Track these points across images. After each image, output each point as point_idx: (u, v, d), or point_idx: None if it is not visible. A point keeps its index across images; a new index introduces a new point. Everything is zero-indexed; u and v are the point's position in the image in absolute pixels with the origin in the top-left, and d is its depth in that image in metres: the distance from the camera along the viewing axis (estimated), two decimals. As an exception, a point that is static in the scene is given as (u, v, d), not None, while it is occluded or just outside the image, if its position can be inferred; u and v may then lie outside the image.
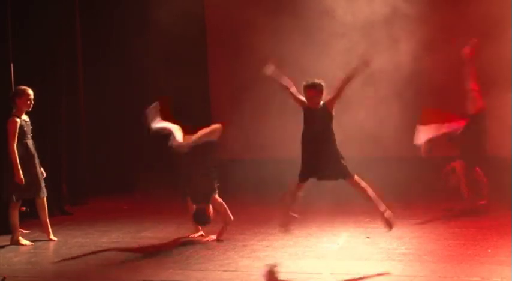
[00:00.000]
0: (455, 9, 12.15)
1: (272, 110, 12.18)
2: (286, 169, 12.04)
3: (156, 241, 9.05)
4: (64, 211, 11.04)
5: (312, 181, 11.28)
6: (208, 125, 9.50)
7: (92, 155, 12.30)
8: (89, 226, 10.02)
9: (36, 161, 9.10)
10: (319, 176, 8.27)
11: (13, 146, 8.85)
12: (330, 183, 8.37)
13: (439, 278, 7.14)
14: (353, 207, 10.44)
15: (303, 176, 8.29)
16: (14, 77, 10.01)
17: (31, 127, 9.13)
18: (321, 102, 8.19)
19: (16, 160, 8.83)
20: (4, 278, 7.51)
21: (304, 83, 8.24)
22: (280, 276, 7.39)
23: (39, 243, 9.12)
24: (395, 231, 9.09)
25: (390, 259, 7.85)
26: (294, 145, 12.07)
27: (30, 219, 10.27)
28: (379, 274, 7.28)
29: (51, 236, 9.24)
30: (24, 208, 10.54)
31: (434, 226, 9.32)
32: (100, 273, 7.77)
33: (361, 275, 7.28)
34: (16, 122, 8.89)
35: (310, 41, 12.24)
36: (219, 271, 7.61)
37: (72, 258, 8.37)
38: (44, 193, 9.16)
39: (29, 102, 9.01)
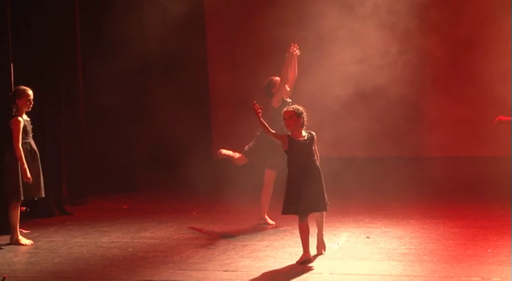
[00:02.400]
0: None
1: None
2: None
3: (156, 241, 9.05)
4: (64, 211, 11.03)
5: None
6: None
7: (92, 155, 12.29)
8: (89, 226, 10.02)
9: (38, 160, 9.11)
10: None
11: (18, 146, 8.86)
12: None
13: (439, 278, 7.15)
14: (353, 207, 10.46)
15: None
16: (14, 77, 9.99)
17: (31, 126, 9.13)
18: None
19: (22, 160, 8.83)
20: (4, 278, 7.51)
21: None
22: (280, 276, 7.39)
23: (39, 243, 9.12)
24: (396, 231, 9.10)
25: (390, 259, 7.85)
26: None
27: (30, 219, 10.29)
28: (379, 274, 7.29)
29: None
30: (24, 208, 10.55)
31: (434, 226, 9.31)
32: (100, 273, 7.77)
33: (361, 275, 7.29)
34: (20, 121, 8.91)
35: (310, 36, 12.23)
36: (219, 271, 7.61)
37: (72, 258, 8.37)
38: (43, 194, 9.17)
39: (28, 102, 9.01)
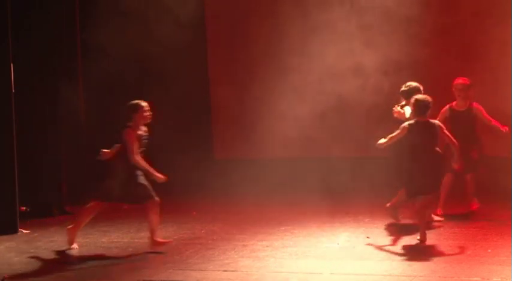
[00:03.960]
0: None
1: (272, 110, 12.17)
2: (286, 169, 12.11)
3: (156, 241, 9.04)
4: (64, 211, 11.03)
5: (311, 182, 11.35)
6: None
7: (92, 155, 12.28)
8: (89, 226, 10.00)
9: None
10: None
11: (134, 157, 8.42)
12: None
13: (439, 278, 7.15)
14: (353, 207, 10.46)
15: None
16: (14, 77, 9.99)
17: (145, 141, 8.63)
18: None
19: (146, 166, 8.45)
20: (4, 278, 7.51)
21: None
22: (280, 276, 7.39)
23: (39, 243, 9.12)
24: (396, 231, 9.09)
25: (390, 259, 7.85)
26: (294, 144, 12.15)
27: (30, 219, 10.30)
28: (379, 274, 7.29)
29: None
30: (24, 208, 10.57)
31: (434, 226, 9.31)
32: (100, 273, 7.77)
33: (361, 275, 7.29)
34: (132, 132, 8.46)
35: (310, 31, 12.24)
36: (219, 271, 7.61)
37: (72, 258, 8.37)
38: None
39: (146, 114, 8.51)
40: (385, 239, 8.73)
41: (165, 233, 9.44)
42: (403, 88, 9.35)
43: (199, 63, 13.25)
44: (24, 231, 9.64)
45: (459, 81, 9.83)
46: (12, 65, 9.99)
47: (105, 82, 12.19)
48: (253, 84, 12.33)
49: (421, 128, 8.52)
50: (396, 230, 9.12)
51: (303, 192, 11.36)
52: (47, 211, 10.79)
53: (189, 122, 13.01)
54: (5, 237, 9.29)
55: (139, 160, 8.49)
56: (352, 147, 12.16)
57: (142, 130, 8.60)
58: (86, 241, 9.16)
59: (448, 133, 8.67)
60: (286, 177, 11.86)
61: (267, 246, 8.56)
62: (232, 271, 7.58)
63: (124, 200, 8.78)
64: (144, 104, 8.53)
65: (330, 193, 11.07)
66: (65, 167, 11.42)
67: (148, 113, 8.54)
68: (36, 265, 8.12)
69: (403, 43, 11.44)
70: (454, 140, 8.63)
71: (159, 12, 12.40)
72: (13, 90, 9.87)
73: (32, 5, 10.99)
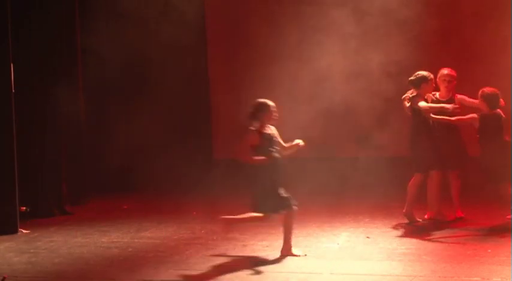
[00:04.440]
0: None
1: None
2: (286, 168, 12.10)
3: (156, 241, 9.05)
4: (64, 211, 11.03)
5: (311, 182, 11.34)
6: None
7: (92, 155, 12.30)
8: (89, 226, 10.02)
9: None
10: None
11: (248, 158, 8.16)
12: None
13: (439, 278, 7.15)
14: (353, 207, 10.46)
15: None
16: (14, 77, 9.99)
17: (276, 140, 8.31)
18: None
19: (260, 160, 8.12)
20: (4, 278, 7.51)
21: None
22: (281, 276, 7.40)
23: (39, 243, 9.12)
24: (395, 231, 9.10)
25: (390, 259, 7.85)
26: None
27: (30, 219, 10.30)
28: (379, 274, 7.29)
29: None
30: (24, 207, 10.57)
31: (434, 226, 9.31)
32: (100, 273, 7.77)
33: (361, 275, 7.29)
34: (253, 134, 8.18)
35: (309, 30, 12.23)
36: (219, 271, 7.61)
37: (72, 258, 8.37)
38: None
39: (273, 114, 8.23)
40: (385, 239, 8.73)
41: (165, 233, 9.45)
42: (411, 77, 9.47)
43: (199, 64, 13.25)
44: (24, 231, 9.64)
45: (448, 72, 9.78)
46: (12, 65, 9.99)
47: (105, 82, 12.20)
48: (253, 84, 12.30)
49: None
50: (396, 231, 9.13)
51: (303, 192, 11.34)
52: (47, 211, 10.80)
53: (188, 122, 13.02)
54: (5, 237, 9.30)
55: (249, 159, 8.17)
56: (352, 147, 12.17)
57: (270, 129, 8.27)
58: (86, 241, 9.16)
59: None
60: (286, 177, 11.85)
61: (267, 246, 8.56)
62: (232, 271, 7.58)
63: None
64: (271, 103, 8.23)
65: (330, 193, 11.07)
66: (65, 167, 11.42)
67: (275, 113, 8.24)
68: (36, 265, 8.12)
69: (403, 44, 11.44)
70: None
71: (159, 12, 12.40)
72: (13, 90, 9.87)
73: (32, 5, 10.99)
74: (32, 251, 8.76)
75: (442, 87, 9.77)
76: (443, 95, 9.76)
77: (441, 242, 8.54)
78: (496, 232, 8.85)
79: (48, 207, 10.85)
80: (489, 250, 8.04)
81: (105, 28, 12.30)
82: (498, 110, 9.21)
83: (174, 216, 10.41)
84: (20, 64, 10.30)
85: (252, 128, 8.17)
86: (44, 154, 11.00)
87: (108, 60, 11.99)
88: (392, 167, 11.41)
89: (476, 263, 7.56)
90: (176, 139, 12.67)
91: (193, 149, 12.62)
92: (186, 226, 9.79)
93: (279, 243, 8.64)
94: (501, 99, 9.29)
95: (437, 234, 8.90)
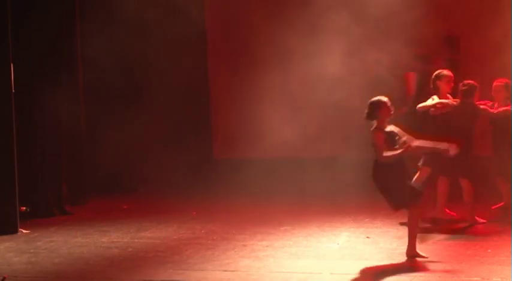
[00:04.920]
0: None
1: (272, 110, 12.17)
2: (286, 169, 12.11)
3: (156, 241, 9.05)
4: (64, 211, 11.03)
5: (311, 182, 11.35)
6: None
7: (92, 155, 12.30)
8: (89, 226, 10.02)
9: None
10: None
11: (384, 156, 7.95)
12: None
13: (439, 278, 7.15)
14: (353, 207, 10.45)
15: None
16: (14, 77, 9.99)
17: (397, 137, 8.10)
18: None
19: (396, 154, 7.90)
20: (4, 278, 7.51)
21: None
22: (280, 276, 7.40)
23: (39, 243, 9.11)
24: (395, 231, 9.10)
25: (390, 259, 7.85)
26: (295, 144, 12.14)
27: (30, 219, 10.29)
28: (379, 274, 7.29)
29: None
30: (24, 207, 10.57)
31: (434, 226, 9.31)
32: (100, 273, 7.77)
33: (361, 275, 7.29)
34: (380, 134, 8.00)
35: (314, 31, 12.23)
36: (219, 271, 7.61)
37: (72, 258, 8.37)
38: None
39: (390, 112, 8.04)
40: (385, 239, 8.73)
41: (165, 233, 9.45)
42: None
43: (199, 63, 13.25)
44: (24, 231, 9.63)
45: (447, 72, 9.80)
46: (12, 65, 9.99)
47: (105, 82, 12.19)
48: (254, 84, 12.31)
49: None
50: (396, 231, 9.12)
51: (303, 192, 11.36)
52: (47, 211, 10.79)
53: (188, 122, 13.01)
54: (5, 237, 9.29)
55: (388, 157, 7.97)
56: (353, 147, 12.16)
57: (390, 127, 8.09)
58: (86, 241, 9.16)
59: None
60: (286, 177, 11.86)
61: (267, 246, 8.56)
62: (232, 271, 7.58)
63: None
64: (385, 99, 8.04)
65: (330, 193, 11.07)
66: (65, 167, 11.42)
67: (391, 108, 8.06)
68: (36, 265, 8.12)
69: (403, 45, 11.43)
70: None
71: (160, 12, 12.39)
72: (13, 90, 9.87)
73: (32, 5, 10.99)
74: (32, 251, 8.76)
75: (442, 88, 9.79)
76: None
77: (441, 242, 8.54)
78: (496, 231, 8.85)
79: (48, 207, 10.84)
80: (489, 250, 8.04)
81: (105, 28, 12.28)
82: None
83: (174, 216, 10.41)
84: (20, 64, 10.29)
85: (374, 127, 8.01)
86: (44, 154, 10.99)
87: (108, 59, 11.99)
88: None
89: (476, 263, 7.55)
90: (176, 139, 12.67)
91: (193, 149, 12.62)
92: (186, 226, 9.79)
93: (279, 243, 8.66)
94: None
95: (437, 234, 8.90)
